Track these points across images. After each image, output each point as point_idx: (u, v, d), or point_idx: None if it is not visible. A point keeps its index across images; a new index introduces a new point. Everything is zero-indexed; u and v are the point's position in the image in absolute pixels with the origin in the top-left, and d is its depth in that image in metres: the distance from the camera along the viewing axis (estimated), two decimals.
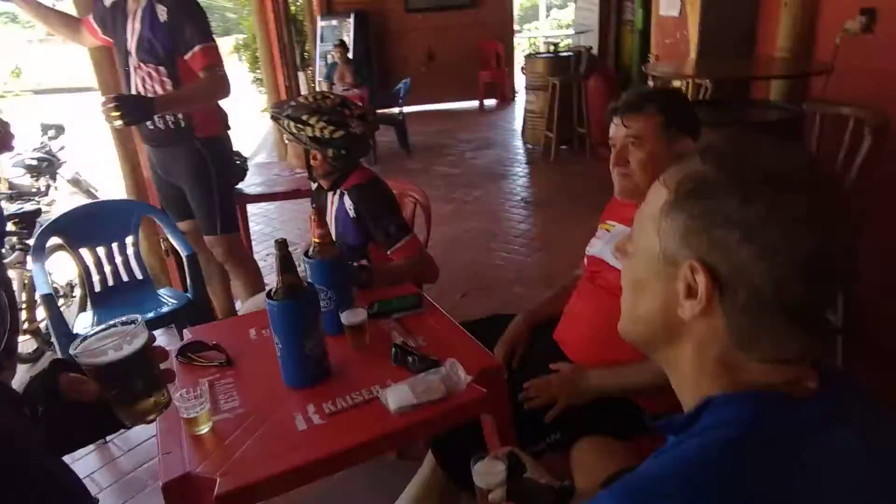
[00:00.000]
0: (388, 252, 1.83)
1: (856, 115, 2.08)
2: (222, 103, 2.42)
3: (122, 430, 0.90)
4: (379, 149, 6.63)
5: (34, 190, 4.49)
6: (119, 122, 2.04)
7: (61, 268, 3.02)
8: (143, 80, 2.29)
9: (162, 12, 2.21)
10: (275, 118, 1.85)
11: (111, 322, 0.88)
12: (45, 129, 4.99)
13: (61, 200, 4.91)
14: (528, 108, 6.42)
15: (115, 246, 2.49)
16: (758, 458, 0.54)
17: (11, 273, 3.01)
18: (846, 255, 0.57)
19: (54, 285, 3.12)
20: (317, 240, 1.46)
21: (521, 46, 11.58)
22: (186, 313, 2.37)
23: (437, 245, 4.06)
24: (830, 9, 2.63)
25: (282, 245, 1.24)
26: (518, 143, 6.94)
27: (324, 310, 1.48)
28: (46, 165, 4.69)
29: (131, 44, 2.27)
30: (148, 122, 2.33)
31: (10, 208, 3.38)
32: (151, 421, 0.89)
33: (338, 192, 1.92)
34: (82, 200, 4.75)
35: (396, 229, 1.83)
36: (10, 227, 3.20)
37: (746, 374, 0.60)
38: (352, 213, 1.88)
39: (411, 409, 1.22)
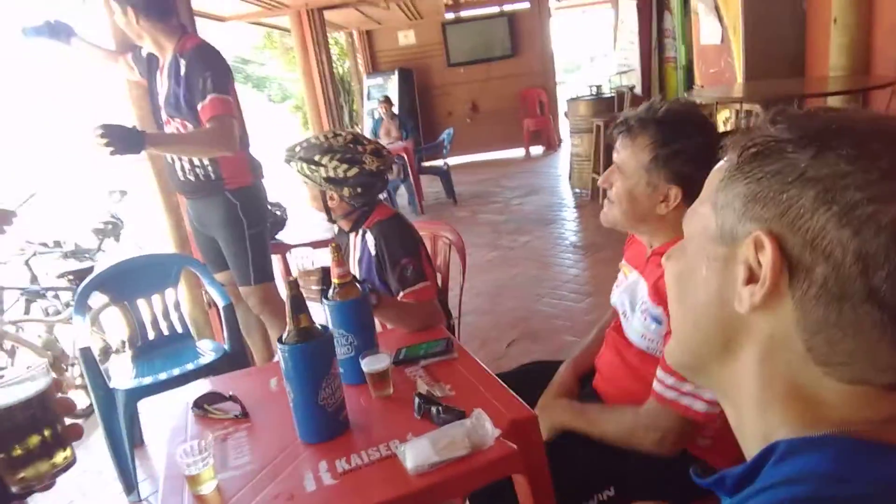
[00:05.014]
0: (401, 295, 1.71)
1: None
2: (256, 152, 2.43)
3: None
4: (426, 199, 6.73)
5: (89, 248, 4.66)
6: (107, 151, 1.90)
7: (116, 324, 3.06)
8: None
9: (182, 65, 2.20)
10: (287, 161, 1.79)
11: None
12: (110, 193, 5.25)
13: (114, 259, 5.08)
14: (574, 152, 6.33)
15: (155, 298, 2.51)
16: None
17: (64, 329, 3.09)
18: None
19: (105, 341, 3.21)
20: (337, 280, 1.38)
21: (566, 94, 11.65)
22: (223, 365, 2.32)
23: (483, 293, 3.99)
24: (884, 24, 2.46)
25: (293, 285, 1.17)
26: (565, 188, 6.83)
27: (344, 356, 1.39)
28: (111, 228, 4.90)
29: (161, 98, 2.30)
30: (178, 173, 2.36)
31: (66, 266, 3.49)
32: (48, 487, 0.72)
33: (360, 232, 1.84)
34: None
35: (413, 273, 1.70)
36: (63, 283, 3.31)
37: (826, 407, 0.46)
38: (373, 251, 1.78)
39: (430, 468, 1.09)
